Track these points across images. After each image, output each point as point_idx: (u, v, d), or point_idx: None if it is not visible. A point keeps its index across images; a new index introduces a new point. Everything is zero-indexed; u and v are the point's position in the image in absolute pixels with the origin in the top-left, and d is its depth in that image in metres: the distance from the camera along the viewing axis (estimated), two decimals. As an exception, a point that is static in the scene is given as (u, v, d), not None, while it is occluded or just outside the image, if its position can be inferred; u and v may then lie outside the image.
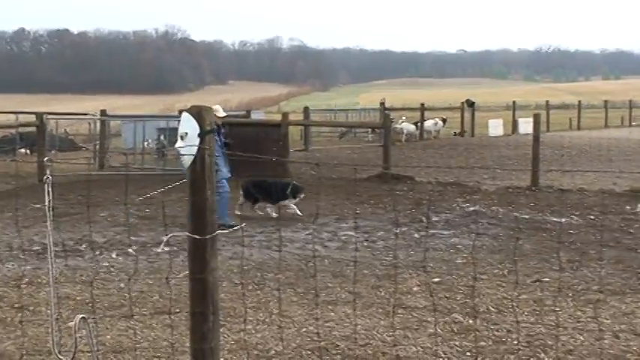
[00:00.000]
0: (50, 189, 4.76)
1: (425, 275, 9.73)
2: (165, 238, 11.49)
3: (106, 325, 7.72)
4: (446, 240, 12.56)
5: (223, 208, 13.47)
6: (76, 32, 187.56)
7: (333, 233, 13.07)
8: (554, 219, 14.39)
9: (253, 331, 7.51)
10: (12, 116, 37.48)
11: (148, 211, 14.93)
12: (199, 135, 4.51)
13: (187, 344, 6.71)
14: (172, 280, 9.34)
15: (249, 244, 11.99)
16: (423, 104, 41.68)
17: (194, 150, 4.50)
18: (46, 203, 4.73)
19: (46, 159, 5.19)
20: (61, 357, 4.97)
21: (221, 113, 13.95)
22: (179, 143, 4.58)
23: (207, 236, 4.53)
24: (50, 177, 4.75)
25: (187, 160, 4.51)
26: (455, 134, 41.66)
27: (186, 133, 4.54)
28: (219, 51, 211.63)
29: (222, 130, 14.05)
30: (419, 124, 39.42)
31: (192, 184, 4.54)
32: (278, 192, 14.81)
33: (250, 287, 9.22)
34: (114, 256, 11.56)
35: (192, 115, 4.56)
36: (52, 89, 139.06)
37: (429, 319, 7.85)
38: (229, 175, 14.01)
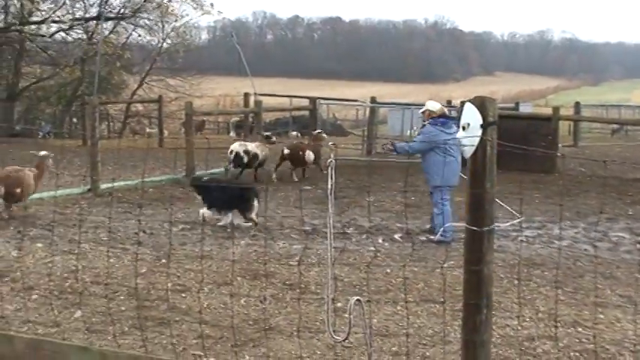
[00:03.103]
0: (333, 172, 4.89)
1: (703, 283, 9.20)
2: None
3: (372, 309, 7.87)
4: None
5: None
6: (347, 20, 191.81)
7: (603, 233, 12.61)
8: None
9: (519, 327, 7.40)
10: (286, 100, 38.98)
11: (414, 199, 15.04)
12: (482, 126, 4.48)
13: (453, 335, 6.77)
14: (437, 269, 9.40)
15: (515, 239, 11.83)
16: (703, 103, 39.31)
17: (475, 141, 4.47)
18: (329, 186, 4.86)
19: (330, 143, 5.34)
20: (335, 336, 5.11)
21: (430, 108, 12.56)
22: (461, 133, 4.57)
23: (485, 228, 4.49)
24: (334, 161, 4.88)
25: (469, 151, 4.49)
26: None
27: (469, 124, 4.52)
28: (487, 42, 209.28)
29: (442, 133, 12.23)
30: (698, 123, 37.22)
31: (473, 175, 4.51)
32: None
33: (516, 282, 9.09)
34: (380, 241, 11.77)
35: (475, 105, 4.54)
36: (323, 75, 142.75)
37: None
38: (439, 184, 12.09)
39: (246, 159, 18.12)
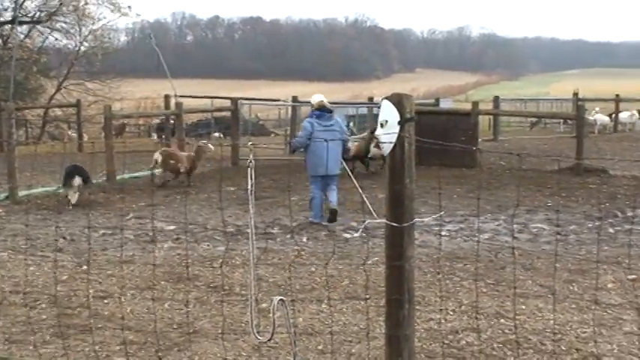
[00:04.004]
0: (252, 173, 4.86)
1: (620, 272, 9.41)
2: (363, 225, 11.63)
3: (298, 308, 7.86)
4: (642, 236, 12.08)
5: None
6: (268, 20, 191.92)
7: (523, 225, 12.81)
8: None
9: (443, 321, 7.47)
10: (207, 101, 38.74)
11: (338, 196, 15.07)
12: (399, 122, 4.50)
13: (378, 330, 6.78)
14: (363, 267, 9.43)
15: (438, 233, 11.93)
16: (617, 95, 40.03)
17: (394, 137, 4.49)
18: (248, 187, 4.83)
19: (250, 143, 5.31)
20: (260, 337, 5.08)
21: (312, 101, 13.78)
22: (379, 130, 4.59)
23: (405, 224, 4.52)
24: (253, 161, 4.85)
25: (387, 147, 4.51)
26: None
27: (387, 121, 4.54)
28: (407, 39, 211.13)
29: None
30: (613, 115, 38.04)
31: (392, 172, 4.54)
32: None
33: (440, 276, 9.18)
34: (304, 240, 11.78)
35: (392, 102, 4.56)
36: (244, 75, 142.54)
37: (625, 317, 7.60)
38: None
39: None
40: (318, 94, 14.01)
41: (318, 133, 13.07)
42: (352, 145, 18.50)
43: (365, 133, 19.11)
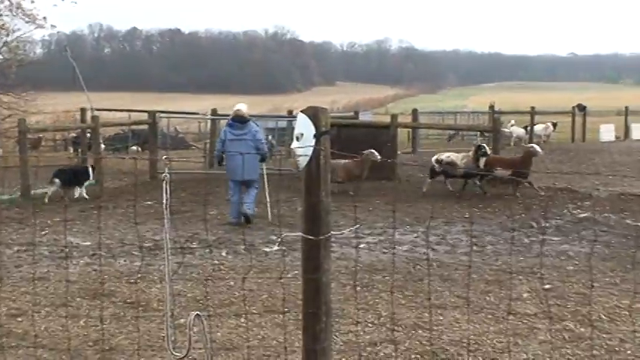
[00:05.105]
0: (168, 187, 4.81)
1: (535, 281, 9.56)
2: (280, 238, 11.63)
3: (216, 323, 7.81)
4: (556, 246, 12.29)
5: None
6: (187, 32, 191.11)
7: (441, 236, 12.94)
8: (671, 227, 13.93)
9: (362, 333, 7.49)
10: (125, 114, 38.35)
11: (257, 209, 15.02)
12: (315, 136, 4.50)
13: (297, 344, 6.76)
14: (281, 280, 9.41)
15: (356, 246, 11.97)
16: (533, 108, 40.79)
17: (309, 151, 4.49)
18: (164, 201, 4.78)
19: (164, 157, 5.26)
20: (175, 353, 5.03)
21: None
22: (295, 144, 4.58)
23: (322, 237, 4.51)
24: (168, 175, 4.80)
25: (303, 161, 4.51)
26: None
27: (302, 134, 4.54)
28: (327, 52, 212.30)
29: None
30: (528, 128, 38.74)
31: (307, 185, 4.53)
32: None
33: (358, 289, 9.20)
34: (224, 254, 11.70)
35: (308, 116, 4.55)
36: (163, 88, 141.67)
37: (539, 326, 7.71)
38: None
39: (437, 168, 18.38)
40: (241, 103, 14.45)
41: (229, 143, 14.11)
42: (461, 163, 18.32)
43: (471, 152, 18.70)
